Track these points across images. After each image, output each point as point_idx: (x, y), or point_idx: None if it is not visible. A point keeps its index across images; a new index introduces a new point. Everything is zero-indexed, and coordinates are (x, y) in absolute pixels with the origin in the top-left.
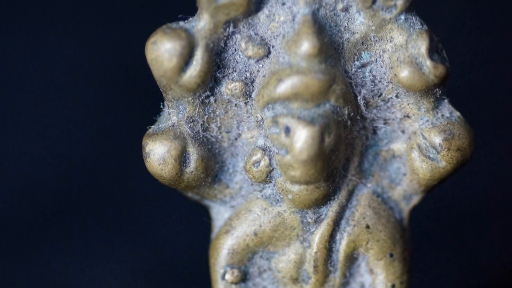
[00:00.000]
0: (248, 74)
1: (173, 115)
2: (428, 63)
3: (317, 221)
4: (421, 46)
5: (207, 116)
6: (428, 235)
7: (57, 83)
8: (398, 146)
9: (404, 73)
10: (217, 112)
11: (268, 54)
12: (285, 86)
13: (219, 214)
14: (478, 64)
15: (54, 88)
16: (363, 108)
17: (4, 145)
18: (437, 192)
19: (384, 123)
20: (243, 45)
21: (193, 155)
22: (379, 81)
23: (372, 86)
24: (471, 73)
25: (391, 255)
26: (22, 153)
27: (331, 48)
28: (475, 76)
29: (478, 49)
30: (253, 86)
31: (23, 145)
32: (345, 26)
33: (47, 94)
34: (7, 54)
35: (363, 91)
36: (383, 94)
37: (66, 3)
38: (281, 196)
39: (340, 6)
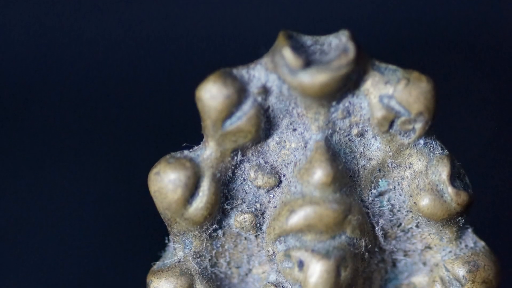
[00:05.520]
0: (258, 205)
1: (179, 250)
2: (449, 190)
3: None
4: (442, 172)
5: (215, 250)
6: None
7: (61, 219)
8: (420, 279)
9: (425, 202)
10: (226, 246)
11: (279, 183)
12: (297, 218)
13: None
14: (504, 190)
15: (58, 225)
16: (381, 239)
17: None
18: None
19: (404, 255)
20: (252, 174)
21: None
22: (398, 210)
23: (390, 216)
24: (496, 200)
25: None
26: None
27: (346, 176)
28: (500, 203)
29: (504, 175)
30: (264, 218)
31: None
32: (361, 152)
33: (53, 229)
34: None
35: (381, 221)
36: (403, 224)
37: (66, 138)
38: None
39: (355, 131)
